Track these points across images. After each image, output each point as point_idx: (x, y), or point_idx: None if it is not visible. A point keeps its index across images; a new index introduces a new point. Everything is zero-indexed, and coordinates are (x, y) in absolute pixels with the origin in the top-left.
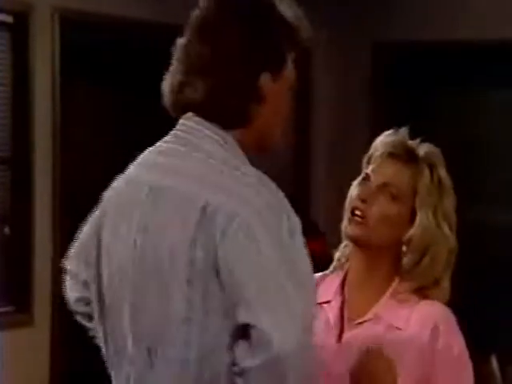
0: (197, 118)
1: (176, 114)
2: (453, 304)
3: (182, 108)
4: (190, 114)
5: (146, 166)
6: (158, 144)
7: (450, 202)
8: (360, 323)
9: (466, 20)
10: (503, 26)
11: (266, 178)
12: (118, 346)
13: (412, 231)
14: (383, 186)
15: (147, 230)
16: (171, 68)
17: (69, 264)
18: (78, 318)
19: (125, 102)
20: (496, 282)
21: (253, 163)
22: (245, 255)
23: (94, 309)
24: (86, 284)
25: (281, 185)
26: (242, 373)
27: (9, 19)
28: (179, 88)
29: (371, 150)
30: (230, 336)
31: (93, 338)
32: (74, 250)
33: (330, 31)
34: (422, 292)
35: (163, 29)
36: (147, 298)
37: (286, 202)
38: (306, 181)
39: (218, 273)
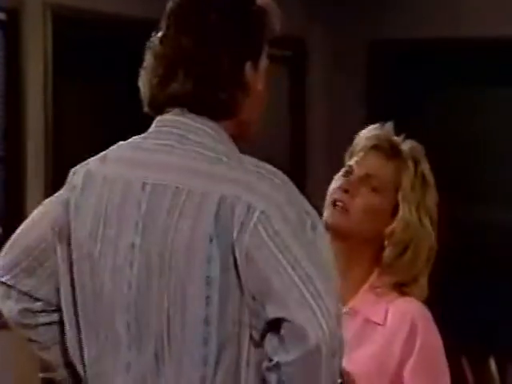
0: (188, 114)
1: (155, 111)
2: (452, 304)
3: (165, 103)
4: (177, 110)
5: (130, 164)
6: (140, 141)
7: (432, 199)
8: None
9: (464, 18)
10: (502, 23)
11: (275, 170)
12: (108, 351)
13: (394, 224)
14: (366, 178)
15: (147, 229)
16: (147, 64)
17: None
18: (22, 332)
19: (118, 100)
20: (496, 282)
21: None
22: (268, 249)
23: (65, 314)
24: (28, 294)
25: None
26: (274, 367)
27: (1, 16)
28: (161, 83)
29: (355, 144)
30: (250, 331)
31: (41, 350)
32: (5, 259)
33: (325, 29)
34: (400, 288)
35: (157, 26)
36: (152, 299)
37: (302, 196)
38: (303, 180)
39: (236, 267)
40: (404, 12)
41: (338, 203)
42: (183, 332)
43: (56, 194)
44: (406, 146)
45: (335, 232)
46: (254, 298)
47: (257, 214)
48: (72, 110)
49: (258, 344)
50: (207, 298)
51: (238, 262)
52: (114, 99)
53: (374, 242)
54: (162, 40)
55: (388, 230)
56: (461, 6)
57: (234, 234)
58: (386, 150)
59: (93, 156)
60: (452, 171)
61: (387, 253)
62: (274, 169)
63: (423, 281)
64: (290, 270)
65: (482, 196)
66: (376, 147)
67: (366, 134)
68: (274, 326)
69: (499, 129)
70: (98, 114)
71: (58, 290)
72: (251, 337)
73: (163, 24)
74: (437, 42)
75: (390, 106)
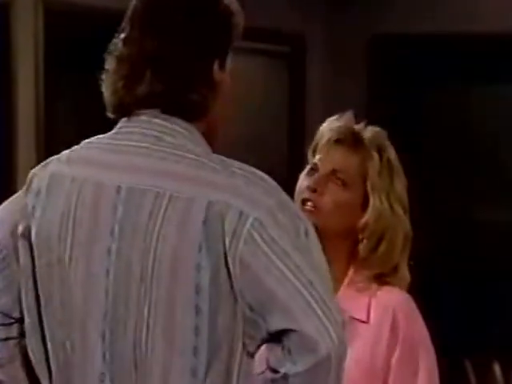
0: (161, 115)
1: (122, 114)
2: (455, 306)
3: (133, 105)
4: (150, 111)
5: (100, 165)
6: (108, 141)
7: (401, 184)
8: None
9: (465, 13)
10: (503, 19)
11: (261, 174)
12: (76, 361)
13: (366, 216)
14: (332, 173)
15: (124, 234)
16: (110, 67)
17: None
18: None
19: None
20: (497, 283)
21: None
22: (265, 256)
23: (28, 327)
24: None
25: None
26: (281, 379)
27: None
28: (127, 85)
29: (316, 139)
30: (243, 340)
31: None
32: None
33: (325, 24)
34: (381, 279)
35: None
36: (131, 307)
37: (291, 201)
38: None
39: (229, 276)
40: (404, 7)
41: (307, 203)
42: (170, 341)
43: (15, 197)
44: (369, 133)
45: None
46: (251, 308)
47: (250, 220)
48: (64, 104)
49: (251, 353)
50: (196, 306)
51: (232, 270)
52: None
53: (349, 237)
54: (125, 41)
55: (361, 222)
56: (461, 2)
57: (227, 243)
58: (349, 142)
59: None
60: (452, 171)
61: (362, 246)
62: (260, 172)
63: (403, 270)
64: (291, 277)
65: (481, 196)
66: (338, 141)
67: (327, 127)
68: (277, 335)
69: (500, 128)
70: (91, 107)
71: (16, 301)
72: (244, 346)
73: (126, 24)
74: (438, 36)
75: (389, 102)
